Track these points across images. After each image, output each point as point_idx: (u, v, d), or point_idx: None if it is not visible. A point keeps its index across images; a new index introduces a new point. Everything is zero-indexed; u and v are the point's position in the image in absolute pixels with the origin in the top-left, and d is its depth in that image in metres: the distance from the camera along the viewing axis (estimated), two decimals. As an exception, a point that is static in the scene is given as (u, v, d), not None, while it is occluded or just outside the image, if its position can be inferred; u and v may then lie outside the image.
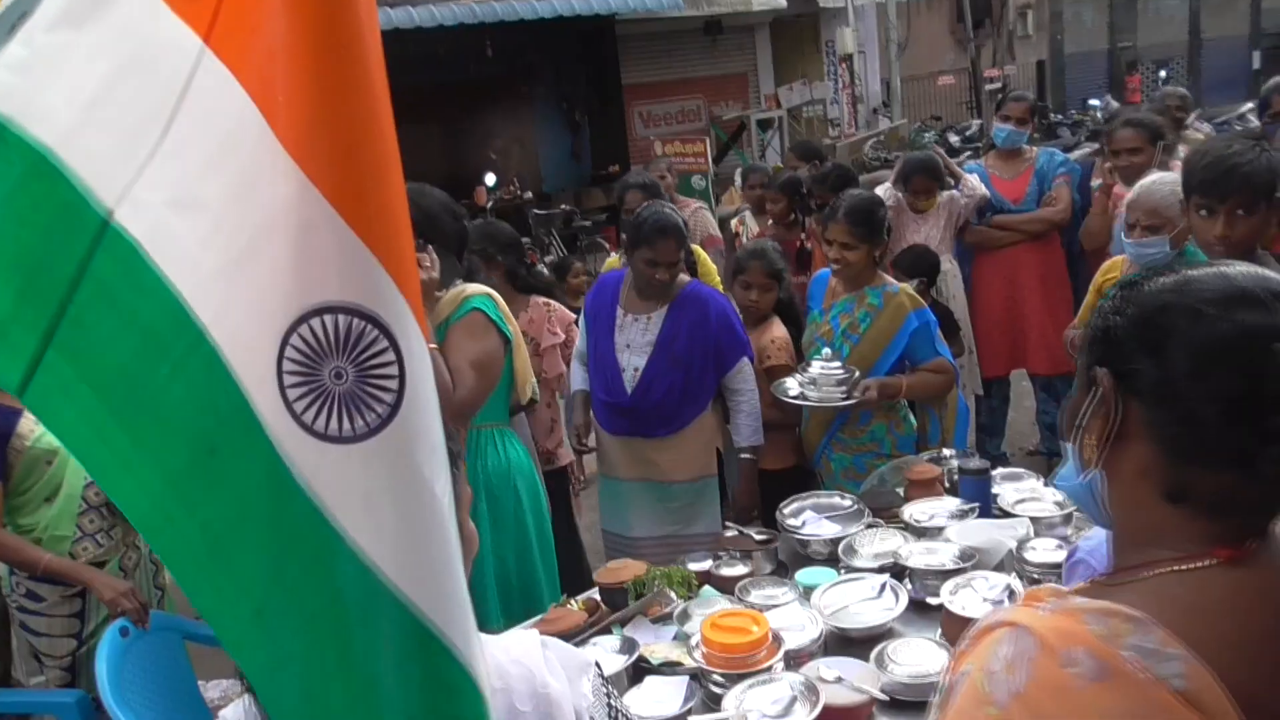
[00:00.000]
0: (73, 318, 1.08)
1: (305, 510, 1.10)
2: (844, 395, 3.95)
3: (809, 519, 3.55)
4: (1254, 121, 13.82)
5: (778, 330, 4.49)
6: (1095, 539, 2.16)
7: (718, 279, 5.66)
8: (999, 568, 3.02)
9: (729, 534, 3.61)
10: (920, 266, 5.73)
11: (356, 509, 1.12)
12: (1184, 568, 1.18)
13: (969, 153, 13.16)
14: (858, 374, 3.99)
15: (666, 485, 4.24)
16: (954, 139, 16.73)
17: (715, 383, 4.20)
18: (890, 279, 4.33)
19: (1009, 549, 3.08)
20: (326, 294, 1.11)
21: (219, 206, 1.11)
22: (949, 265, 6.01)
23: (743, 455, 4.23)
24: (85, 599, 3.59)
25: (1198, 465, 1.19)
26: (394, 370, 1.12)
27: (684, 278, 4.28)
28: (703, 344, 4.12)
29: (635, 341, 4.19)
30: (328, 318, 1.11)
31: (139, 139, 1.10)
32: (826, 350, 4.06)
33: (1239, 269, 1.21)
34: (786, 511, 3.61)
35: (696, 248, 5.56)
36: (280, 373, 1.10)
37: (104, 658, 3.34)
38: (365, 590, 1.12)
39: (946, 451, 4.08)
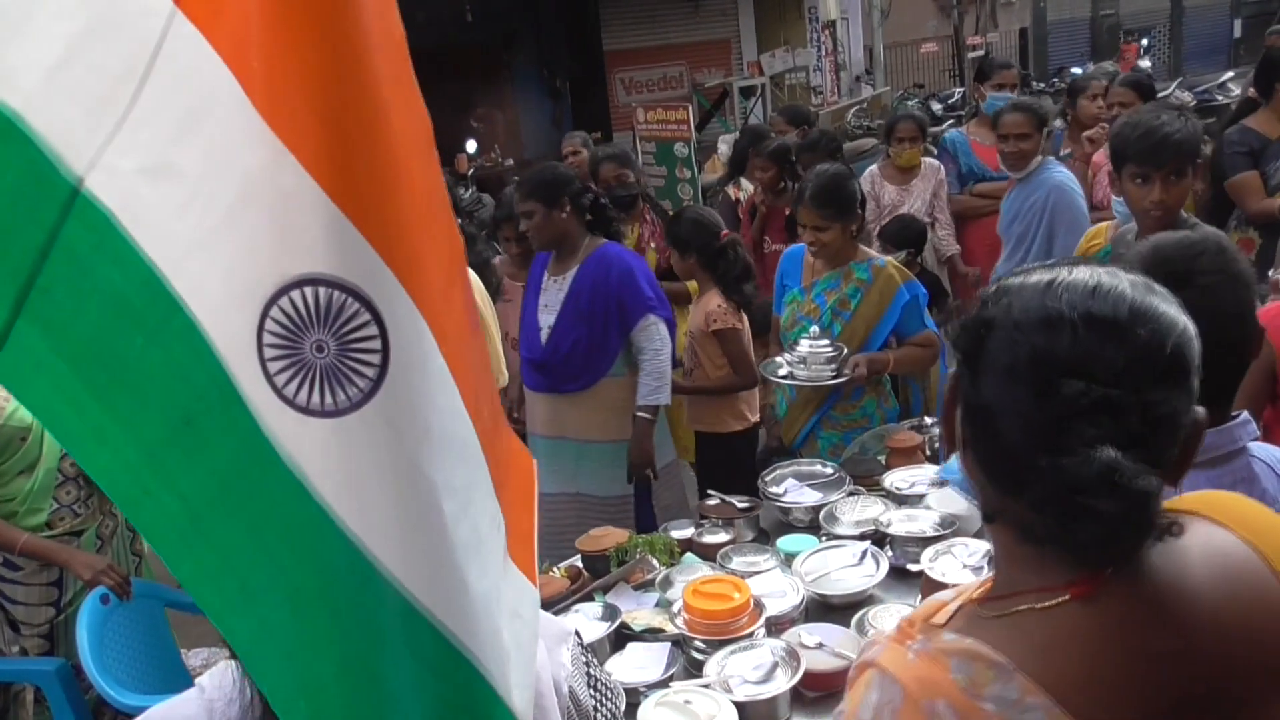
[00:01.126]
0: (43, 287, 1.05)
1: (287, 483, 1.09)
2: (834, 373, 3.93)
3: (790, 486, 3.56)
4: (1235, 91, 13.88)
5: (716, 299, 4.47)
6: None
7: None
8: (979, 534, 3.04)
9: (710, 502, 3.62)
10: (907, 236, 5.75)
11: (340, 484, 1.10)
12: (1040, 605, 1.14)
13: (951, 120, 13.15)
14: (846, 351, 3.96)
15: (580, 444, 4.40)
16: (936, 107, 16.69)
17: (619, 340, 4.33)
18: (874, 252, 4.31)
19: (989, 516, 3.09)
20: (306, 266, 1.09)
21: (194, 175, 1.08)
22: (933, 235, 6.04)
23: (639, 413, 4.28)
24: (62, 568, 3.58)
25: (997, 489, 1.17)
26: (376, 345, 1.11)
27: (599, 240, 4.40)
28: (604, 300, 4.27)
29: (551, 301, 4.39)
30: (308, 289, 1.09)
31: (109, 104, 1.06)
32: (815, 328, 4.04)
33: (1108, 277, 1.15)
34: (769, 479, 3.62)
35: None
36: (260, 345, 1.08)
37: (84, 625, 3.34)
38: (351, 565, 1.11)
39: (928, 419, 4.10)
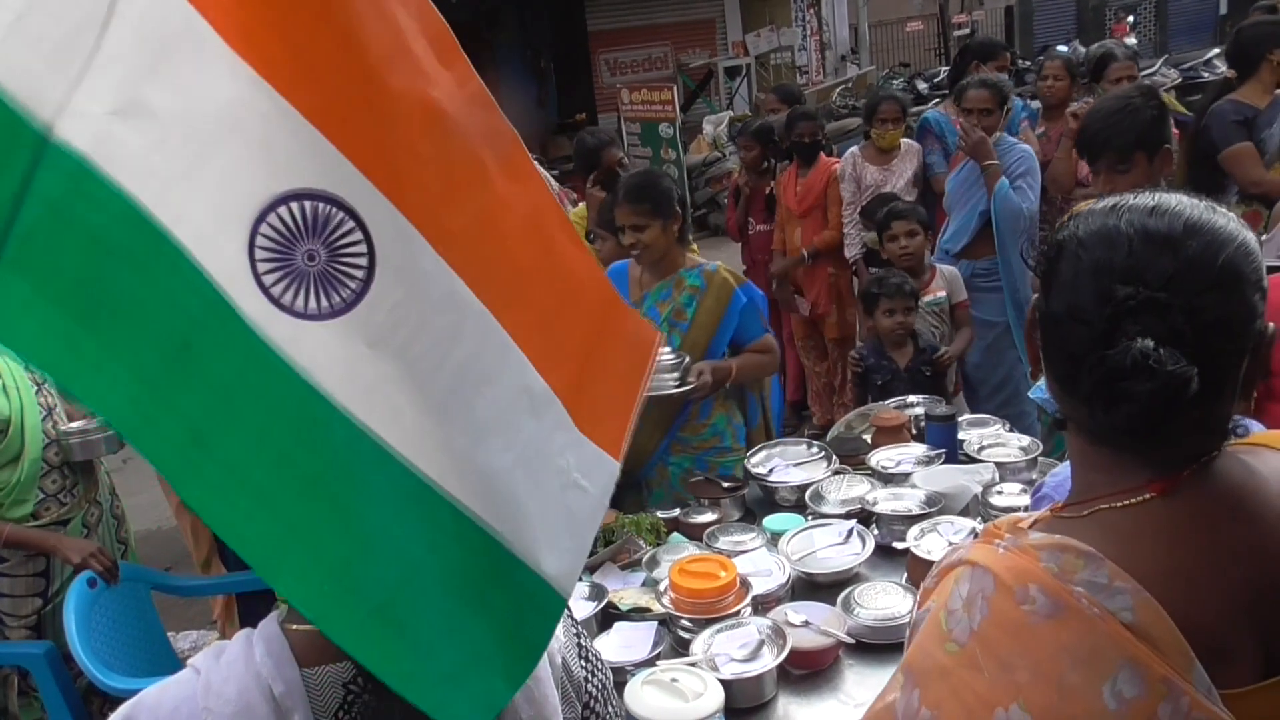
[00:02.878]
0: (21, 235, 1.07)
1: (292, 382, 1.15)
2: (677, 382, 3.66)
3: (776, 466, 3.57)
4: (1220, 68, 13.89)
5: None
6: (1061, 474, 2.19)
7: None
8: (964, 512, 3.06)
9: (695, 480, 3.62)
10: (889, 216, 5.74)
11: (342, 377, 1.17)
12: (1120, 504, 1.22)
13: (936, 99, 13.13)
14: (688, 359, 3.75)
15: None
16: (922, 85, 16.67)
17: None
18: (701, 258, 4.17)
19: (974, 494, 3.11)
20: (292, 182, 1.16)
21: (167, 111, 1.11)
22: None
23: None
24: (49, 558, 3.56)
25: (1065, 393, 1.27)
26: (362, 249, 1.19)
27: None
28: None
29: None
30: (294, 204, 1.16)
31: (71, 51, 1.08)
32: None
33: (1168, 198, 1.25)
34: (754, 460, 3.63)
35: None
36: (253, 260, 1.14)
37: (72, 609, 3.33)
38: (359, 449, 1.17)
39: (912, 398, 4.11)
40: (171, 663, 3.71)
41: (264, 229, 1.14)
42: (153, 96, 1.11)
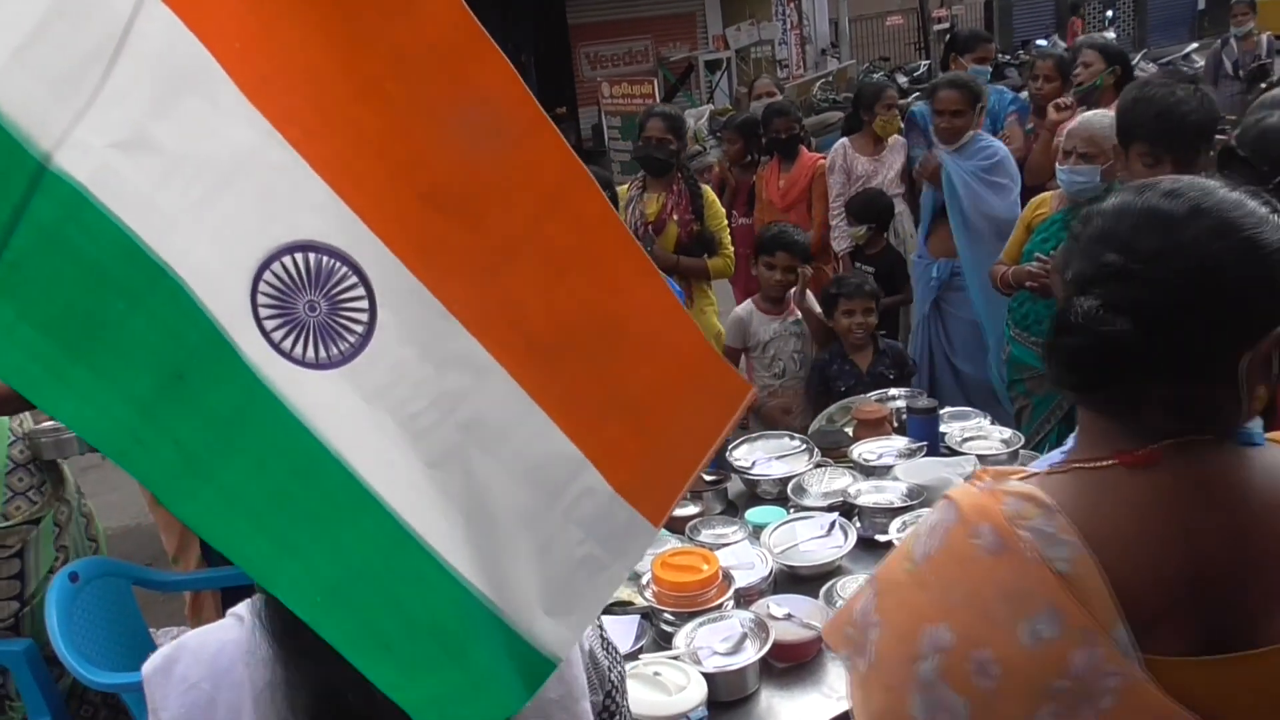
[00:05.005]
0: (10, 262, 1.06)
1: (287, 422, 1.15)
2: None
3: (759, 459, 3.57)
4: (1199, 62, 13.96)
5: None
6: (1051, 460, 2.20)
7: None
8: (945, 505, 3.06)
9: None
10: (871, 211, 5.73)
11: (335, 424, 1.17)
12: (1089, 466, 1.29)
13: (917, 94, 13.15)
14: None
15: None
16: (902, 80, 16.69)
17: None
18: None
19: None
20: (296, 234, 1.17)
21: (174, 149, 1.11)
22: (902, 206, 6.03)
23: None
24: (23, 559, 3.52)
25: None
26: (364, 304, 1.20)
27: None
28: None
29: None
30: (298, 255, 1.17)
31: (77, 82, 1.07)
32: None
33: (1188, 184, 1.29)
34: (736, 453, 3.63)
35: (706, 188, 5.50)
36: (255, 305, 1.15)
37: (54, 604, 3.30)
38: (351, 493, 1.18)
39: (894, 391, 4.11)
40: (152, 658, 3.68)
41: (267, 275, 1.16)
42: (159, 134, 1.11)
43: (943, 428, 3.61)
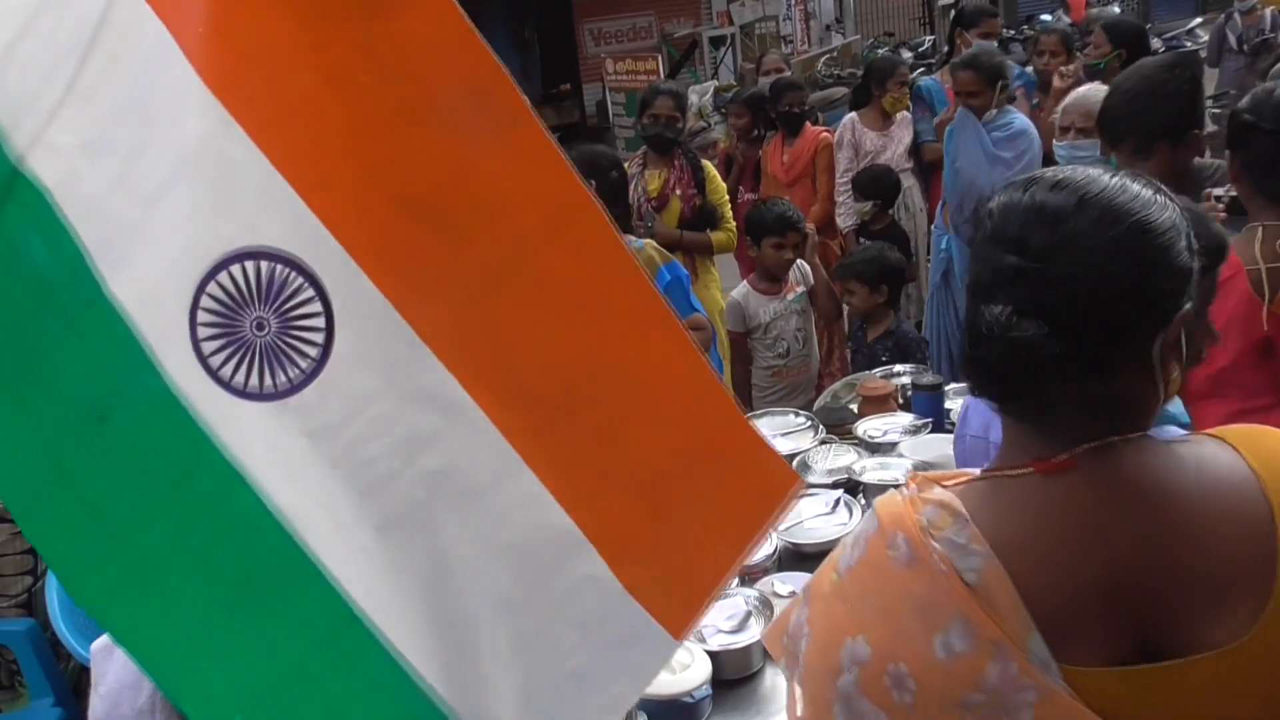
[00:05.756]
0: None
1: (220, 472, 1.02)
2: None
3: (763, 436, 3.54)
4: (1203, 37, 13.85)
5: None
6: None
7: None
8: (951, 482, 3.04)
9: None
10: (878, 188, 5.72)
11: (278, 471, 1.02)
12: (1006, 474, 1.26)
13: (922, 69, 13.07)
14: None
15: None
16: (907, 55, 16.59)
17: None
18: (633, 237, 4.12)
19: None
20: (247, 239, 1.02)
21: (127, 147, 1.03)
22: (910, 181, 6.01)
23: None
24: None
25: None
26: (320, 323, 1.04)
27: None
28: None
29: None
30: (248, 263, 1.02)
31: (53, 78, 1.03)
32: None
33: (1076, 174, 1.25)
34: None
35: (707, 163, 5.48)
36: (194, 324, 1.02)
37: (54, 585, 3.30)
38: (286, 560, 1.03)
39: (899, 367, 4.09)
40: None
41: (211, 288, 1.02)
42: (122, 129, 1.03)
43: (948, 404, 3.58)
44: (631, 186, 5.24)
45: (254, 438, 1.01)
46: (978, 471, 1.33)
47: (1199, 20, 16.58)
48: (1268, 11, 11.20)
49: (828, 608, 1.30)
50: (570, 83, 17.41)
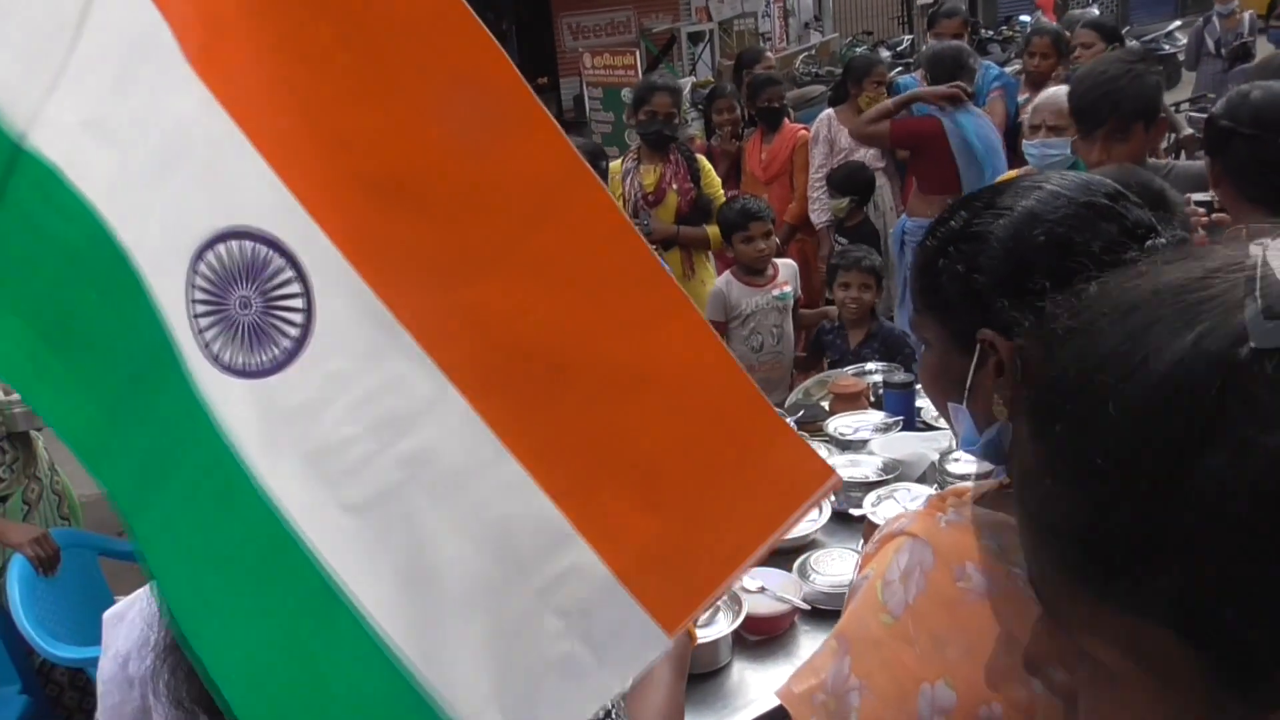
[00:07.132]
0: None
1: (215, 445, 1.03)
2: None
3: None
4: (1182, 40, 13.96)
5: None
6: None
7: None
8: (922, 479, 3.05)
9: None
10: (853, 184, 5.72)
11: (259, 448, 1.03)
12: None
13: (900, 68, 13.12)
14: None
15: None
16: (885, 54, 16.64)
17: None
18: None
19: (931, 461, 3.11)
20: (231, 218, 1.02)
21: (131, 125, 1.04)
22: (884, 180, 6.02)
23: None
24: None
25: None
26: (299, 304, 1.02)
27: None
28: None
29: None
30: (232, 243, 1.02)
31: (46, 55, 1.03)
32: None
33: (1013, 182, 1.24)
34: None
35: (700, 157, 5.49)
36: (190, 300, 1.03)
37: (15, 578, 3.27)
38: (270, 533, 1.02)
39: (870, 365, 4.10)
40: (120, 629, 3.65)
41: (201, 267, 1.02)
42: (120, 109, 1.03)
43: (919, 402, 3.59)
44: (627, 182, 5.26)
45: (240, 414, 1.02)
46: (994, 481, 1.25)
47: (1178, 23, 16.69)
48: (1246, 15, 11.31)
49: (887, 655, 1.17)
50: (547, 76, 17.37)
